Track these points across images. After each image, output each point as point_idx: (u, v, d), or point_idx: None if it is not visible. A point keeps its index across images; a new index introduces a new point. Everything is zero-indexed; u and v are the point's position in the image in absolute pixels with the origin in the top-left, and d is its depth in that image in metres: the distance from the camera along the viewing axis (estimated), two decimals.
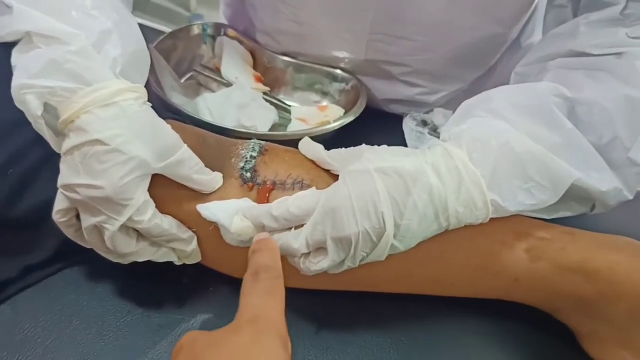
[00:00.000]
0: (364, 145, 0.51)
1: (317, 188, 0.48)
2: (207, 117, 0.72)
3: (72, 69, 0.44)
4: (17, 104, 0.46)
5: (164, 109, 0.51)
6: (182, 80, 0.85)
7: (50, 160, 0.50)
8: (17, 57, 0.46)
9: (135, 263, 0.50)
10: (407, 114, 0.80)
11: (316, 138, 0.62)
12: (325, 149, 0.53)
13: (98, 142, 0.43)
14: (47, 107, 0.45)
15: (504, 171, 0.46)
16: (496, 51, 0.74)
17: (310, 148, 0.53)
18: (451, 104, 0.82)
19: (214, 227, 0.49)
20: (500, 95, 0.52)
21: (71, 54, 0.44)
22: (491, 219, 0.48)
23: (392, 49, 0.72)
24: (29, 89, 0.44)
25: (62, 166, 0.46)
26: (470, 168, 0.46)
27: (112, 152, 0.43)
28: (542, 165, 0.46)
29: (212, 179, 0.50)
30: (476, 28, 0.69)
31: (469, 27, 0.68)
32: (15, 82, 0.44)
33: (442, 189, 0.45)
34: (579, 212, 0.52)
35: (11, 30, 0.46)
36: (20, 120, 0.48)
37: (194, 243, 0.51)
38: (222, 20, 0.93)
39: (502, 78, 0.77)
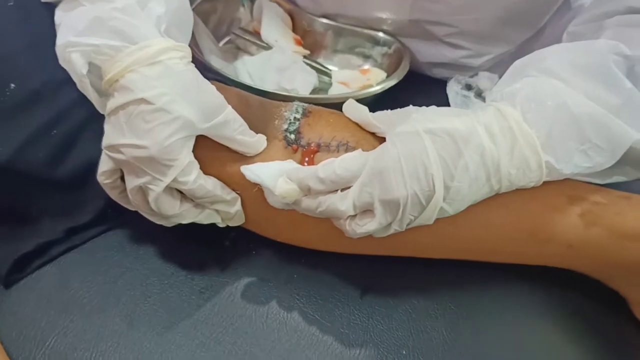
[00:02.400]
0: (411, 106, 0.49)
1: (363, 150, 0.47)
2: (247, 80, 0.71)
3: (117, 26, 0.43)
4: (61, 62, 0.46)
5: (205, 71, 0.51)
6: (221, 44, 0.84)
7: (94, 121, 0.50)
8: (60, 16, 0.46)
9: (176, 226, 0.51)
10: (451, 78, 0.77)
11: (358, 102, 0.61)
12: None
13: (143, 101, 0.42)
14: (90, 66, 0.45)
15: (559, 132, 0.44)
16: (547, 10, 0.70)
17: (354, 110, 0.52)
18: (497, 68, 0.79)
19: (258, 189, 0.48)
20: (555, 54, 0.50)
21: (116, 11, 0.44)
22: (543, 183, 0.46)
23: (437, 8, 0.69)
24: (74, 47, 0.43)
25: (107, 127, 0.46)
26: (525, 129, 0.44)
27: (158, 112, 0.42)
28: (601, 126, 0.44)
29: (257, 141, 0.49)
30: None
31: None
32: (60, 40, 0.44)
33: (495, 150, 0.43)
34: (634, 177, 0.50)
35: None
36: (63, 80, 0.49)
37: (238, 204, 0.50)
38: None
39: (550, 40, 0.73)
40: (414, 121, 0.45)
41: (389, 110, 0.50)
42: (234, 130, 0.47)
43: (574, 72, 0.47)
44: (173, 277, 0.54)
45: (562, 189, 0.50)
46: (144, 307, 0.51)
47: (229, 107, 0.47)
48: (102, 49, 0.43)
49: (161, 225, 0.50)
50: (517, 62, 0.53)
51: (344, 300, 0.53)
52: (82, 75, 0.44)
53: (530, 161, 0.44)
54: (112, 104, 0.44)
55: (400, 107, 0.50)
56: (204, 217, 0.50)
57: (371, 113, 0.51)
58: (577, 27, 0.60)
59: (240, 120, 0.48)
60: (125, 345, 0.49)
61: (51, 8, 0.49)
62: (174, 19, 0.49)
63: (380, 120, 0.49)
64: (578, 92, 0.45)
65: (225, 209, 0.50)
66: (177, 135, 0.43)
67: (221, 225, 0.52)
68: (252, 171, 0.47)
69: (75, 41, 0.43)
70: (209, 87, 0.47)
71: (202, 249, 0.56)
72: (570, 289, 0.55)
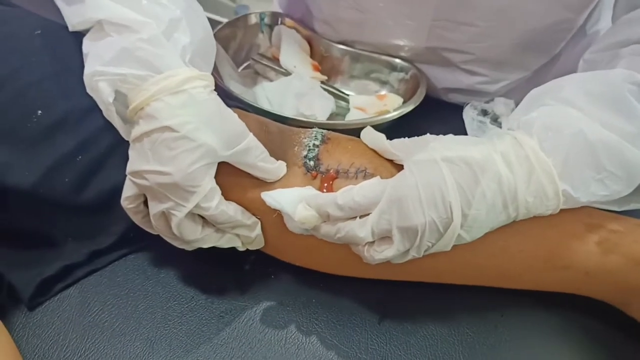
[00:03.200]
0: (428, 134, 0.50)
1: (381, 177, 0.48)
2: (266, 106, 0.72)
3: (143, 56, 0.44)
4: (89, 91, 0.47)
5: (225, 97, 0.52)
6: (240, 70, 0.85)
7: (118, 148, 0.51)
8: (88, 45, 0.47)
9: (197, 250, 0.51)
10: (467, 104, 0.78)
11: (375, 127, 0.61)
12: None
13: (168, 129, 0.43)
14: (117, 95, 0.46)
15: (576, 161, 0.44)
16: (562, 38, 0.71)
17: (372, 137, 0.53)
18: (513, 93, 0.79)
19: (277, 215, 0.49)
20: (571, 83, 0.50)
21: (142, 41, 0.45)
22: (561, 210, 0.46)
23: (454, 36, 0.70)
24: (102, 76, 0.44)
25: (131, 153, 0.47)
26: (542, 157, 0.44)
27: (182, 139, 0.43)
28: (617, 155, 0.44)
29: (277, 168, 0.50)
30: (544, 13, 0.66)
31: (536, 12, 0.66)
32: (88, 69, 0.45)
33: (512, 178, 0.43)
34: None
35: (83, 19, 0.47)
36: (89, 107, 0.50)
37: (258, 229, 0.51)
38: (273, 9, 0.92)
39: (566, 66, 0.74)
40: (431, 149, 0.45)
41: (407, 138, 0.50)
42: (256, 157, 0.48)
43: (590, 101, 0.47)
44: (193, 300, 0.54)
45: (579, 216, 0.50)
46: (164, 330, 0.52)
47: (251, 134, 0.48)
48: (128, 78, 0.44)
49: (182, 250, 0.51)
50: (534, 91, 0.53)
51: (362, 326, 0.53)
52: (109, 104, 0.46)
53: (547, 189, 0.44)
54: (137, 131, 0.45)
55: (417, 133, 0.51)
56: (225, 242, 0.51)
57: (388, 141, 0.51)
58: (592, 54, 0.60)
59: (262, 148, 0.49)
60: None
61: (78, 36, 0.50)
62: (198, 49, 0.50)
63: (398, 148, 0.50)
64: (594, 120, 0.46)
65: (245, 233, 0.50)
66: (200, 163, 0.44)
67: (241, 249, 0.53)
68: (272, 197, 0.48)
69: (103, 70, 0.45)
70: (232, 115, 0.48)
71: (222, 273, 0.57)
72: (587, 316, 0.54)
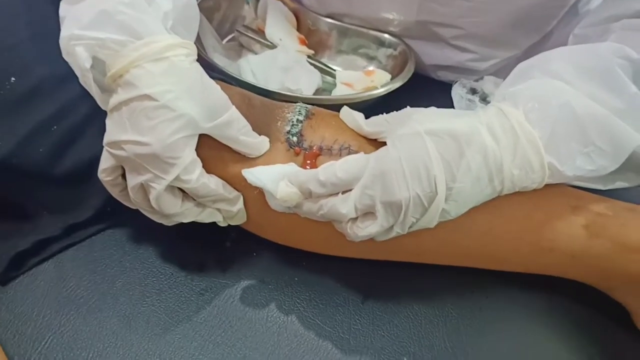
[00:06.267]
0: (408, 107, 0.48)
1: (365, 154, 0.47)
2: (250, 79, 0.70)
3: (124, 20, 0.43)
4: (64, 56, 0.45)
5: (209, 70, 0.50)
6: (224, 42, 0.83)
7: (95, 117, 0.49)
8: (66, 9, 0.45)
9: (177, 225, 0.50)
10: (456, 81, 0.77)
11: (362, 103, 0.60)
12: (371, 114, 0.51)
13: (147, 97, 0.41)
14: (94, 61, 0.44)
15: (563, 133, 0.43)
16: (554, 15, 0.70)
17: (350, 117, 0.51)
18: (502, 72, 0.78)
19: (259, 191, 0.48)
20: (560, 56, 0.49)
21: (123, 5, 0.43)
22: (547, 192, 0.46)
23: (445, 10, 0.69)
24: (79, 40, 0.42)
25: (109, 123, 0.45)
26: (527, 128, 0.43)
27: (162, 109, 0.41)
28: (605, 128, 0.43)
29: (259, 143, 0.49)
30: None
31: None
32: (65, 32, 0.43)
33: (497, 150, 0.43)
34: (637, 183, 0.49)
35: None
36: (65, 75, 0.48)
37: (240, 203, 0.50)
38: None
39: (557, 45, 0.72)
40: (414, 122, 0.44)
41: (385, 114, 0.49)
42: (238, 130, 0.46)
43: (579, 75, 0.46)
44: (172, 277, 0.53)
45: (566, 199, 0.49)
46: (143, 307, 0.51)
47: (233, 107, 0.46)
48: (107, 43, 0.42)
49: (161, 225, 0.50)
50: (522, 64, 0.52)
51: (345, 305, 0.52)
52: (85, 70, 0.44)
53: (532, 161, 0.43)
54: (115, 99, 0.43)
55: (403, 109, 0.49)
56: (206, 216, 0.49)
57: (364, 119, 0.50)
58: (583, 29, 0.59)
59: (244, 121, 0.47)
60: (122, 346, 0.48)
61: (55, 2, 0.48)
62: (180, 15, 0.49)
63: (377, 124, 0.49)
64: (582, 94, 0.45)
65: (227, 207, 0.49)
66: (180, 133, 0.42)
67: (222, 224, 0.52)
68: (254, 174, 0.46)
69: (80, 34, 0.42)
70: (214, 86, 0.46)
71: (203, 250, 0.56)
72: (571, 299, 0.54)
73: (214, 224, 0.51)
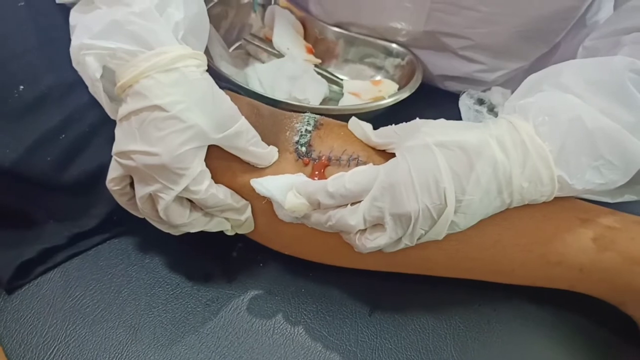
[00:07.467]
0: (417, 119, 0.48)
1: (374, 165, 0.46)
2: (257, 88, 0.70)
3: (135, 30, 0.43)
4: (74, 65, 0.45)
5: (216, 78, 0.50)
6: (231, 50, 0.83)
7: (104, 126, 0.49)
8: (76, 17, 0.45)
9: (183, 235, 0.50)
10: (463, 92, 0.76)
11: (369, 113, 0.60)
12: (378, 125, 0.51)
13: (157, 108, 0.41)
14: (104, 70, 0.44)
15: (573, 147, 0.43)
16: (563, 27, 0.69)
17: (358, 127, 0.51)
18: (510, 83, 0.78)
19: (267, 202, 0.47)
20: (571, 69, 0.49)
21: (134, 15, 0.43)
22: (556, 205, 0.46)
23: (454, 20, 0.69)
24: (89, 49, 0.42)
25: (118, 132, 0.45)
26: (537, 142, 0.43)
27: (171, 119, 0.41)
28: (615, 143, 0.43)
29: (268, 153, 0.48)
30: (547, 0, 0.65)
31: None
32: (75, 42, 0.43)
33: (507, 163, 0.42)
34: None
35: None
36: (73, 83, 0.48)
37: (248, 211, 0.50)
38: None
39: (565, 57, 0.72)
40: (424, 134, 0.44)
41: (393, 125, 0.49)
42: (247, 141, 0.46)
43: (589, 88, 0.46)
44: (179, 287, 0.53)
45: (574, 212, 0.49)
46: (149, 318, 0.50)
47: (243, 118, 0.46)
48: (117, 53, 0.42)
49: (167, 234, 0.49)
50: (532, 77, 0.52)
51: (352, 317, 0.52)
52: (96, 79, 0.44)
53: (542, 175, 0.43)
54: (124, 109, 0.43)
55: (411, 120, 0.49)
56: (213, 225, 0.49)
57: (373, 130, 0.50)
58: (593, 41, 0.59)
59: (253, 132, 0.47)
60: (128, 357, 0.48)
61: (64, 10, 0.48)
62: (191, 25, 0.49)
63: (386, 135, 0.48)
64: (592, 107, 0.44)
65: (235, 216, 0.49)
66: (190, 144, 0.42)
67: (230, 233, 0.51)
68: (262, 185, 0.46)
69: (91, 44, 0.42)
70: (224, 97, 0.46)
71: (209, 260, 0.55)
72: (580, 313, 0.54)
73: (220, 233, 0.51)
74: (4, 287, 0.51)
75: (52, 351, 0.48)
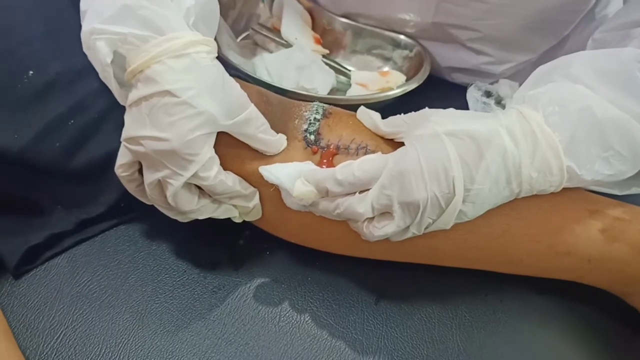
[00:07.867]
0: (426, 108, 0.48)
1: (382, 154, 0.46)
2: (265, 78, 0.70)
3: (146, 15, 0.42)
4: (85, 50, 0.45)
5: (224, 66, 0.50)
6: (239, 40, 0.83)
7: (113, 112, 0.49)
8: (87, 2, 0.45)
9: (191, 222, 0.50)
10: (471, 84, 0.76)
11: (377, 104, 0.60)
12: (386, 115, 0.50)
13: (168, 93, 0.41)
14: (114, 56, 0.44)
15: (582, 137, 0.43)
16: (572, 20, 0.69)
17: (367, 116, 0.51)
18: (518, 76, 0.78)
19: (275, 189, 0.47)
20: (581, 60, 0.49)
21: (145, 0, 0.42)
22: (565, 195, 0.46)
23: (463, 11, 0.68)
24: (100, 34, 0.42)
25: (127, 118, 0.45)
26: (547, 132, 0.43)
27: (182, 105, 0.41)
28: (625, 133, 0.43)
29: (277, 140, 0.48)
30: None
31: None
32: (86, 26, 0.43)
33: (517, 152, 0.42)
34: None
35: None
36: (82, 69, 0.48)
37: (256, 198, 0.50)
38: None
39: (573, 50, 0.71)
40: (433, 123, 0.44)
41: (402, 115, 0.49)
42: (256, 128, 0.46)
43: (599, 79, 0.46)
44: (185, 274, 0.53)
45: (583, 203, 0.49)
46: (155, 304, 0.50)
47: (252, 105, 0.46)
48: (128, 38, 0.42)
49: (175, 221, 0.49)
50: (542, 67, 0.52)
51: (358, 306, 0.52)
52: (106, 64, 0.43)
53: (552, 165, 0.43)
54: (134, 95, 0.43)
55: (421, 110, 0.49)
56: (222, 212, 0.49)
57: (381, 120, 0.50)
58: (602, 34, 0.58)
59: (263, 119, 0.47)
60: (135, 343, 0.48)
61: None
62: (202, 12, 0.48)
63: (395, 124, 0.48)
64: (602, 98, 0.44)
65: (243, 203, 0.49)
66: (200, 131, 0.42)
67: (238, 220, 0.51)
68: (270, 172, 0.46)
69: (102, 28, 0.42)
70: (234, 84, 0.46)
71: (216, 247, 0.55)
72: (587, 305, 0.54)
73: (228, 221, 0.51)
74: (11, 272, 0.51)
75: (59, 336, 0.48)
